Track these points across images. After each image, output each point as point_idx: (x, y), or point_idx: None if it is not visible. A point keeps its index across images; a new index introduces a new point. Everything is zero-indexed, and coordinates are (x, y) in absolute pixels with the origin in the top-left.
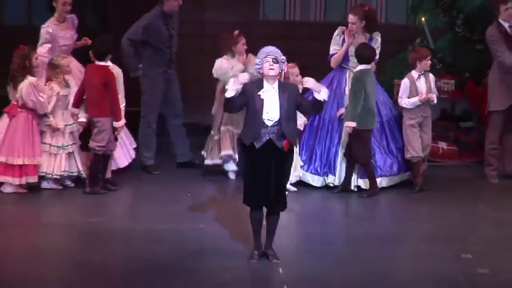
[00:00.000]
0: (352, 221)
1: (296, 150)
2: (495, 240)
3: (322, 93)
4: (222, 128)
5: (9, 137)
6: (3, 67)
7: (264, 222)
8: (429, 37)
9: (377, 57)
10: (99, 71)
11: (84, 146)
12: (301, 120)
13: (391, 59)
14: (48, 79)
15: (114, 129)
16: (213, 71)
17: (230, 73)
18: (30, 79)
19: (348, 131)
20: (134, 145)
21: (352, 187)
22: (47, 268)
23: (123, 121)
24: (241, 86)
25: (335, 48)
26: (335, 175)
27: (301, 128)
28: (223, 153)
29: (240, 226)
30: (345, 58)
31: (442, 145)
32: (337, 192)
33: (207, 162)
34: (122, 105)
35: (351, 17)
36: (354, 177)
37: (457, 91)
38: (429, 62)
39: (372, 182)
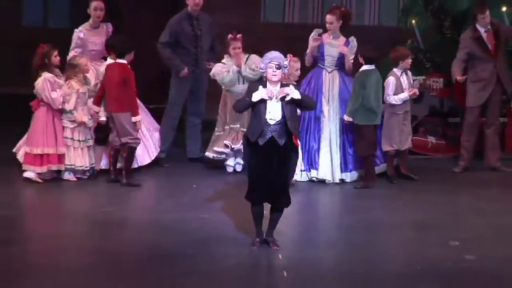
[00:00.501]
0: (346, 211)
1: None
2: (481, 228)
3: (292, 94)
4: (226, 127)
5: (32, 129)
6: (21, 67)
7: (266, 212)
8: (419, 38)
9: (352, 60)
10: (119, 68)
11: (98, 140)
12: None
13: (384, 59)
14: (68, 78)
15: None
16: (211, 73)
17: (227, 77)
18: (45, 75)
19: (346, 123)
20: (158, 144)
21: (337, 181)
22: (62, 254)
23: (140, 116)
24: (267, 98)
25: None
26: (317, 170)
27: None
28: (216, 148)
29: (243, 215)
30: (321, 58)
31: (431, 139)
32: (359, 188)
33: (207, 154)
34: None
35: (329, 17)
36: (338, 170)
37: (445, 89)
38: (410, 60)
39: (369, 176)
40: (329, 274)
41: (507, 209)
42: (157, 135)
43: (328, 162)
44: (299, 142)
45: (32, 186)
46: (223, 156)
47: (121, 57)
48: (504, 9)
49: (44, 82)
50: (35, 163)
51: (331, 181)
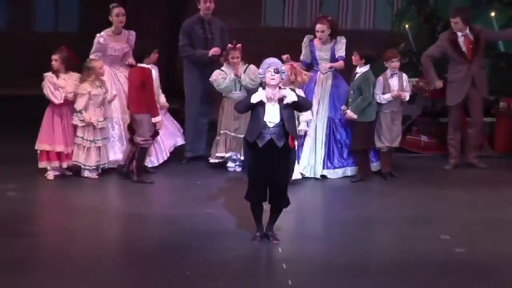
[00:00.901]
0: (342, 206)
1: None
2: (471, 222)
3: (287, 98)
4: (222, 131)
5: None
6: (33, 70)
7: (265, 207)
8: (412, 42)
9: (344, 54)
10: (137, 72)
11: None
12: (301, 126)
13: (378, 61)
14: (82, 80)
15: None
16: (210, 79)
17: (223, 83)
18: (46, 74)
19: (348, 118)
20: (170, 149)
21: (318, 176)
22: (73, 247)
23: (160, 117)
24: (266, 100)
25: (304, 53)
26: (298, 164)
27: (302, 133)
28: (218, 154)
29: (244, 211)
30: (315, 62)
31: (424, 138)
32: (355, 181)
33: (211, 160)
34: (163, 100)
35: (320, 26)
36: (320, 166)
37: (437, 90)
38: (397, 63)
39: (361, 170)
40: (326, 266)
41: (495, 204)
42: (171, 141)
43: (310, 158)
44: (296, 143)
45: (44, 182)
46: (224, 159)
47: (140, 61)
48: (492, 14)
49: (45, 81)
50: (39, 158)
51: (310, 176)
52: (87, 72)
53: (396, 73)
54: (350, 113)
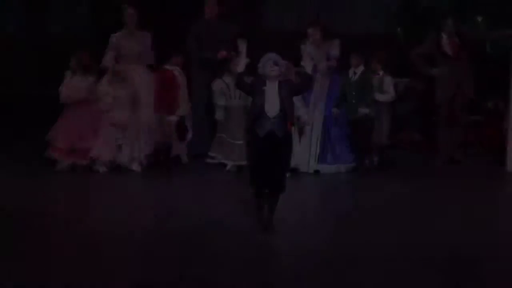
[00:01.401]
0: (339, 200)
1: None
2: (460, 215)
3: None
4: (218, 134)
5: None
6: (47, 70)
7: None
8: (404, 45)
9: (336, 53)
10: (159, 73)
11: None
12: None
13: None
14: (105, 81)
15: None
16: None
17: (219, 100)
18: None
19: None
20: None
21: (311, 171)
22: (82, 238)
23: (175, 117)
24: (248, 60)
25: (304, 57)
26: (293, 158)
27: (305, 124)
28: (210, 153)
29: (246, 205)
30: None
31: (416, 136)
32: (355, 176)
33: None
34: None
35: (312, 30)
36: (314, 162)
37: (427, 90)
38: (375, 64)
39: (361, 166)
40: (325, 257)
41: (483, 198)
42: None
43: (305, 154)
44: (293, 127)
45: (57, 176)
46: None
47: (164, 64)
48: (479, 19)
49: None
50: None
51: (304, 171)
52: (111, 75)
53: (378, 74)
54: (362, 110)
